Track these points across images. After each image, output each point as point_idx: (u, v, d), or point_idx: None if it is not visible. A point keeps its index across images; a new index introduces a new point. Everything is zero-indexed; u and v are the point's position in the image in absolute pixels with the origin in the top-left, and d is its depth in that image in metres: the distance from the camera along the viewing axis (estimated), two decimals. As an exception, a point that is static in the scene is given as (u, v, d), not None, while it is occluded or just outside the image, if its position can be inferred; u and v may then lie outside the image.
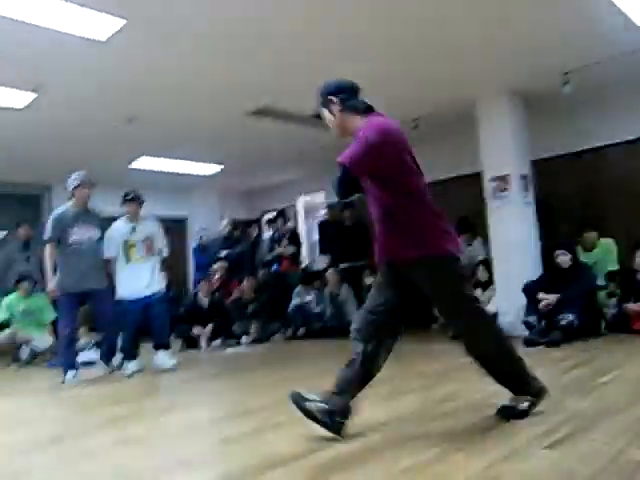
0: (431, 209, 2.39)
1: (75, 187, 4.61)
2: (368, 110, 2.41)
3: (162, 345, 4.88)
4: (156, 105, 5.27)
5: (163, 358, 4.81)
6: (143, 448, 2.40)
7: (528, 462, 1.87)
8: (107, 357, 4.77)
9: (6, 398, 4.09)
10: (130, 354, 4.74)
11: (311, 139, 6.63)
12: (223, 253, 7.82)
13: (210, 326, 6.48)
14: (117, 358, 4.82)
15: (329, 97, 2.44)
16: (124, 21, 3.59)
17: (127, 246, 4.78)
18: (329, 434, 2.26)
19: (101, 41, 3.82)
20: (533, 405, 2.39)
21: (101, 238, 4.72)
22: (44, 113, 5.15)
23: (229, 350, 6.17)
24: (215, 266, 7.44)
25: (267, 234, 8.56)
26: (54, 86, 4.60)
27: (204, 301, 6.71)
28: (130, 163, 7.12)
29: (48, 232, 4.54)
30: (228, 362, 5.31)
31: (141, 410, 3.23)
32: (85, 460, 2.27)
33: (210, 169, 7.89)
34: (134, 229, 4.83)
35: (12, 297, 6.16)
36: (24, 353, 5.93)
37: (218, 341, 6.51)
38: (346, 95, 2.43)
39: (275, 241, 7.85)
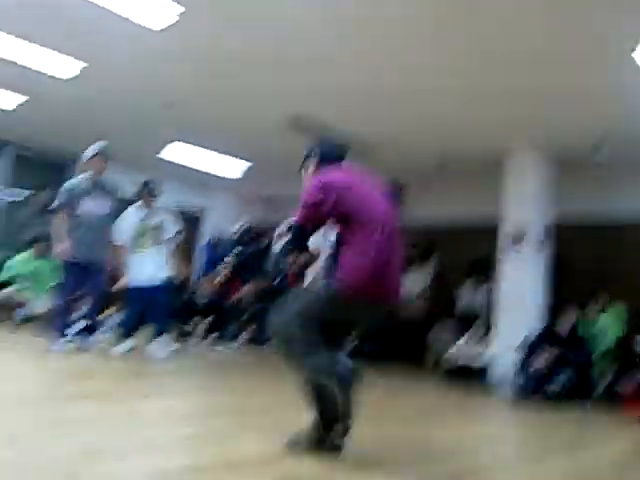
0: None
1: (91, 157, 4.67)
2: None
3: (158, 334, 4.95)
4: (194, 95, 5.37)
5: (157, 347, 4.88)
6: (111, 427, 2.41)
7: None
8: (88, 332, 4.76)
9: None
10: (126, 335, 4.79)
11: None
12: (232, 254, 7.85)
13: (205, 324, 6.51)
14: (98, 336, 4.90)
15: None
16: (182, 8, 3.69)
17: (138, 234, 4.86)
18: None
19: (154, 30, 3.93)
20: None
21: (112, 212, 4.76)
22: (87, 87, 5.29)
23: (219, 348, 6.18)
24: (221, 266, 7.47)
25: (277, 246, 8.57)
26: (101, 64, 4.73)
27: (203, 297, 6.75)
28: (160, 151, 7.22)
29: (58, 201, 4.62)
30: (215, 360, 5.33)
31: (119, 390, 3.25)
32: (54, 428, 2.29)
33: (237, 168, 7.97)
34: (146, 218, 4.91)
35: (23, 256, 6.23)
36: (19, 314, 5.99)
37: (211, 338, 6.53)
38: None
39: (284, 255, 7.86)
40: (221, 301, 6.98)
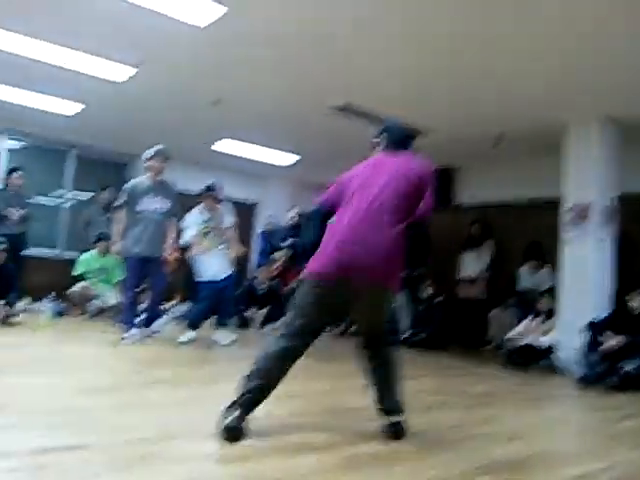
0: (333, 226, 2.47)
1: (149, 158, 4.91)
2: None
3: (223, 324, 5.25)
4: (242, 91, 5.47)
5: (222, 335, 5.15)
6: (183, 411, 2.56)
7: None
8: (147, 322, 5.01)
9: (73, 345, 4.43)
10: (194, 325, 5.04)
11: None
12: (288, 241, 7.98)
13: (264, 310, 6.68)
14: (159, 323, 5.17)
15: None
16: (225, 9, 3.77)
17: (203, 233, 5.07)
18: (356, 433, 2.38)
19: (199, 27, 4.03)
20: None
21: (170, 210, 4.97)
22: (140, 89, 5.48)
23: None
24: (278, 254, 7.61)
25: None
26: (152, 65, 4.89)
27: (262, 286, 6.91)
28: (212, 144, 7.41)
29: (120, 199, 4.91)
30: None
31: (188, 376, 3.42)
32: (130, 412, 2.47)
33: (287, 159, 8.07)
34: (209, 219, 5.14)
35: (90, 254, 6.62)
36: (93, 307, 6.37)
37: (270, 326, 6.69)
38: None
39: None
40: (278, 289, 7.13)
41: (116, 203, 4.94)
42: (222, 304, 5.27)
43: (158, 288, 5.06)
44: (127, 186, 4.93)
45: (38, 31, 4.39)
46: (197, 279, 5.21)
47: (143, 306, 5.32)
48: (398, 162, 2.55)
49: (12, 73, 5.35)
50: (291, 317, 2.38)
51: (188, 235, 5.11)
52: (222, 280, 5.12)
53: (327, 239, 2.42)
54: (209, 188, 5.24)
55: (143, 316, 5.08)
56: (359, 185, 2.50)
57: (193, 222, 5.14)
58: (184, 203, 5.22)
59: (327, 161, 8.25)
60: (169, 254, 4.90)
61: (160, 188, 4.95)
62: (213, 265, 5.11)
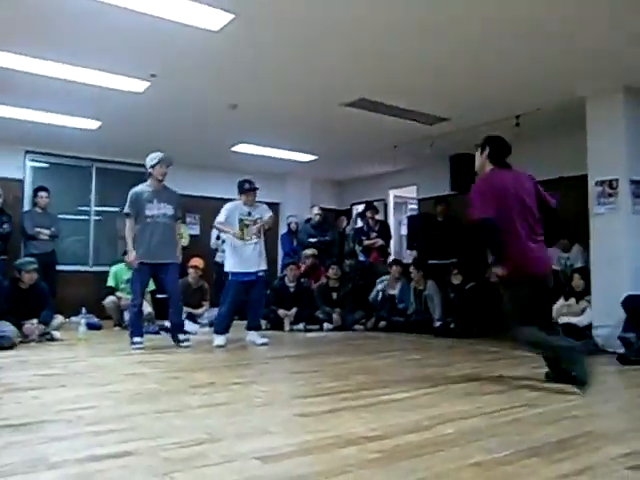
0: None
1: (153, 165, 4.96)
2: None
3: (254, 327, 5.30)
4: (257, 94, 5.49)
5: (255, 336, 5.20)
6: (225, 413, 2.58)
7: (606, 479, 1.82)
8: (175, 330, 5.04)
9: (111, 355, 4.51)
10: (221, 328, 5.06)
11: (405, 133, 6.62)
12: (312, 240, 8.00)
13: (294, 309, 6.70)
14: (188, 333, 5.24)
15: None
16: (232, 15, 3.80)
17: (241, 224, 5.10)
18: (398, 424, 2.36)
19: (213, 31, 4.05)
20: None
21: (174, 215, 5.02)
22: (155, 100, 5.55)
23: (311, 334, 6.35)
24: (306, 252, 7.63)
25: (357, 225, 8.61)
26: (166, 74, 4.94)
27: (290, 285, 6.93)
28: (231, 147, 7.46)
29: (126, 207, 4.96)
30: (309, 345, 5.48)
31: (226, 379, 3.44)
32: (177, 416, 2.50)
33: (304, 159, 8.09)
34: (250, 213, 5.18)
35: (119, 266, 6.75)
36: (126, 316, 6.47)
37: (301, 325, 6.71)
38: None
39: (364, 233, 7.89)
40: (308, 288, 7.15)
41: (124, 211, 4.99)
42: (251, 306, 5.27)
43: (174, 295, 5.05)
44: (131, 194, 4.97)
45: (53, 53, 4.49)
46: (226, 270, 5.23)
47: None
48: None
49: (30, 95, 5.47)
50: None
51: (231, 221, 5.13)
52: (252, 274, 5.11)
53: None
54: (249, 183, 5.26)
55: (167, 324, 5.15)
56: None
57: (236, 212, 5.16)
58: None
59: (344, 159, 8.27)
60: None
61: (163, 194, 5.00)
62: (248, 260, 5.12)
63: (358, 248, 7.93)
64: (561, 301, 5.45)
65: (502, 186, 3.38)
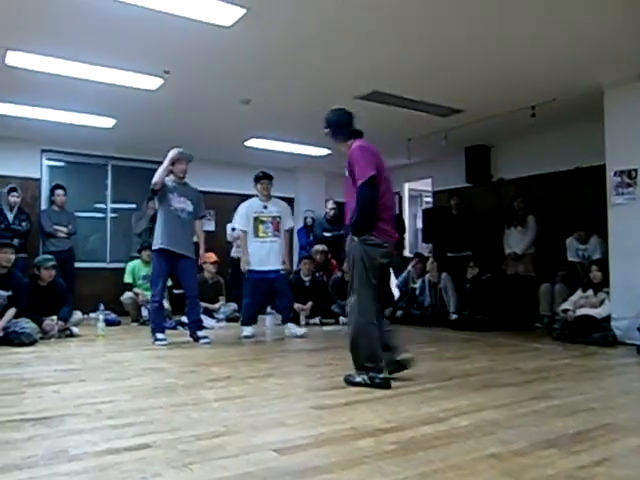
0: None
1: (172, 162, 4.99)
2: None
3: (289, 320, 5.41)
4: (270, 89, 5.49)
5: (294, 327, 5.35)
6: (242, 406, 2.60)
7: (624, 470, 1.80)
8: (194, 328, 5.05)
9: (129, 350, 4.57)
10: (247, 319, 5.16)
11: (419, 125, 6.58)
12: (327, 234, 8.00)
13: (310, 303, 6.71)
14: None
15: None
16: (244, 10, 3.80)
17: (257, 222, 5.13)
18: (413, 416, 2.38)
19: (225, 26, 4.05)
20: (366, 383, 2.99)
21: (194, 212, 5.04)
22: (171, 95, 5.57)
23: (327, 328, 6.36)
24: (316, 247, 7.63)
25: None
26: (181, 69, 4.96)
27: (306, 279, 6.94)
28: (244, 142, 7.47)
29: (149, 200, 4.98)
30: (325, 339, 5.49)
31: (242, 373, 3.47)
32: (194, 409, 2.53)
33: (317, 153, 8.07)
34: (265, 207, 5.19)
35: (136, 262, 6.81)
36: (144, 312, 6.55)
37: (317, 319, 6.73)
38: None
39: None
40: (323, 281, 7.15)
41: (150, 203, 5.05)
42: (279, 300, 5.33)
43: (192, 292, 5.05)
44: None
45: (68, 52, 4.53)
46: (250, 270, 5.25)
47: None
48: None
49: (46, 95, 5.53)
50: None
51: (245, 222, 5.17)
52: (269, 272, 5.16)
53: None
54: (263, 172, 5.29)
55: (184, 319, 5.18)
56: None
57: (250, 210, 5.20)
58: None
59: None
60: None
61: (184, 190, 5.03)
62: (264, 256, 5.15)
63: None
64: (579, 293, 5.39)
65: (377, 155, 3.26)
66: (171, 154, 4.96)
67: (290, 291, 5.64)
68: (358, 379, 3.04)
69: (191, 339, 4.97)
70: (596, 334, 4.92)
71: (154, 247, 4.93)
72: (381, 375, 2.99)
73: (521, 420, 2.36)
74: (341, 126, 3.40)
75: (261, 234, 5.19)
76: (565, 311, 5.33)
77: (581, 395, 2.84)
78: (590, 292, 5.31)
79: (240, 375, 3.40)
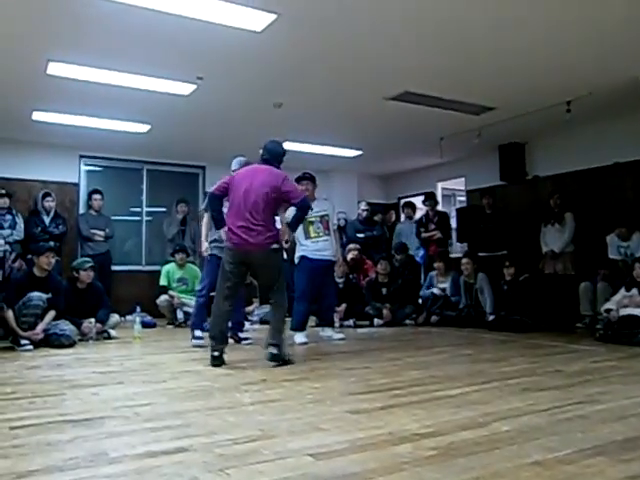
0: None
1: (234, 170, 4.98)
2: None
3: (328, 324, 5.34)
4: (302, 92, 5.50)
5: (330, 332, 5.29)
6: (278, 410, 2.59)
7: (679, 479, 1.72)
8: (236, 329, 5.07)
9: (165, 352, 4.63)
10: (300, 325, 5.13)
11: (451, 124, 6.49)
12: (360, 235, 7.95)
13: (344, 305, 6.67)
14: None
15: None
16: (275, 15, 3.81)
17: (307, 223, 5.13)
18: (452, 420, 2.32)
19: (257, 32, 4.07)
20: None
21: None
22: (204, 100, 5.64)
23: (361, 330, 6.32)
24: (350, 245, 7.57)
25: (411, 218, 8.39)
26: (213, 75, 5.01)
27: (339, 281, 6.90)
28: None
29: (204, 204, 5.01)
30: (360, 341, 5.45)
31: (277, 376, 3.46)
32: (230, 413, 2.54)
33: (349, 154, 8.05)
34: (311, 209, 5.17)
35: (170, 266, 6.90)
36: (179, 315, 6.63)
37: (351, 321, 6.68)
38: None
39: (423, 224, 7.73)
40: (357, 283, 7.11)
41: (201, 207, 5.10)
42: (323, 300, 5.25)
43: (241, 293, 5.07)
44: (210, 192, 5.03)
45: (105, 61, 4.64)
46: (296, 260, 5.23)
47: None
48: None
49: (84, 103, 5.67)
50: None
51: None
52: (324, 260, 5.11)
53: None
54: (304, 174, 5.27)
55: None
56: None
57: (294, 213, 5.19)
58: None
59: (390, 153, 8.18)
60: None
61: None
62: (315, 248, 5.12)
63: (416, 242, 7.77)
64: (622, 292, 5.21)
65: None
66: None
67: (335, 292, 5.57)
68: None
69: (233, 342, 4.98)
70: (640, 335, 4.74)
71: (208, 252, 4.94)
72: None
73: (565, 425, 2.28)
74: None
75: (313, 234, 5.17)
76: (608, 311, 5.15)
77: (628, 399, 2.73)
78: (634, 291, 5.13)
79: (275, 378, 3.39)
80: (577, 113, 5.74)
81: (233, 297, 4.03)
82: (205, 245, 4.95)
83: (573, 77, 5.11)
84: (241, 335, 5.02)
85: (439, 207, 8.17)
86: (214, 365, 3.80)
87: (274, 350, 3.85)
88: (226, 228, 3.98)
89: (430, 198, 7.80)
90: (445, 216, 7.82)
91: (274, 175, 3.96)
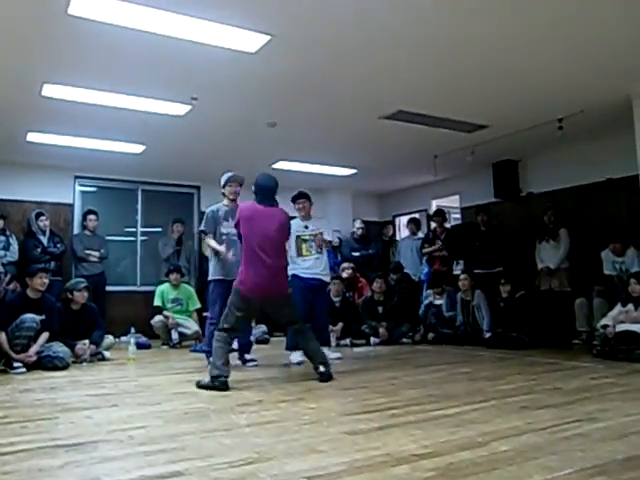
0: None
1: (223, 186, 5.01)
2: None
3: (324, 343, 5.16)
4: (295, 112, 5.54)
5: (326, 351, 5.07)
6: (274, 431, 2.55)
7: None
8: (242, 350, 5.02)
9: (160, 374, 4.57)
10: (295, 345, 5.00)
11: (444, 142, 6.54)
12: (355, 254, 7.94)
13: (340, 324, 6.64)
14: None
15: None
16: (268, 37, 3.85)
17: (299, 241, 5.11)
18: (450, 440, 2.27)
19: (250, 52, 4.11)
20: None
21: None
22: (198, 120, 5.67)
23: (357, 349, 6.27)
24: (344, 264, 7.55)
25: (415, 234, 8.38)
26: (208, 95, 5.04)
27: (336, 300, 6.88)
28: (271, 165, 7.52)
29: (203, 225, 5.01)
30: (356, 360, 5.41)
31: (273, 397, 3.42)
32: (226, 435, 2.49)
33: (344, 173, 8.08)
34: (306, 227, 5.17)
35: (164, 286, 6.86)
36: (174, 335, 6.58)
37: (347, 340, 6.64)
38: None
39: (429, 240, 7.72)
40: (353, 302, 7.08)
41: (201, 227, 5.05)
42: (316, 319, 5.08)
43: None
44: (208, 211, 5.01)
45: (100, 83, 4.68)
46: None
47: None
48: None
49: (79, 124, 5.69)
50: None
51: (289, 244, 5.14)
52: (314, 279, 5.07)
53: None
54: (299, 193, 5.26)
55: (236, 345, 5.14)
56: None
57: (292, 231, 5.13)
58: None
59: (384, 171, 8.22)
60: None
61: (234, 213, 5.01)
62: (305, 266, 5.09)
63: (420, 257, 7.75)
64: (618, 307, 5.20)
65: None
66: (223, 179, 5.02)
67: (327, 311, 5.53)
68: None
69: (239, 362, 4.93)
70: (639, 351, 4.73)
71: (213, 277, 4.88)
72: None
73: (565, 444, 2.25)
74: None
75: (305, 253, 5.15)
76: (604, 327, 5.14)
77: (628, 417, 2.71)
78: (630, 306, 5.12)
79: (271, 399, 3.35)
80: (569, 130, 5.80)
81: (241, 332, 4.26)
82: (222, 249, 4.81)
83: (565, 95, 5.17)
84: (247, 357, 4.95)
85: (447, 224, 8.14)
86: (223, 390, 3.69)
87: (322, 368, 4.04)
88: (241, 274, 4.01)
89: (439, 215, 7.81)
90: (452, 234, 7.78)
91: (285, 217, 4.15)
